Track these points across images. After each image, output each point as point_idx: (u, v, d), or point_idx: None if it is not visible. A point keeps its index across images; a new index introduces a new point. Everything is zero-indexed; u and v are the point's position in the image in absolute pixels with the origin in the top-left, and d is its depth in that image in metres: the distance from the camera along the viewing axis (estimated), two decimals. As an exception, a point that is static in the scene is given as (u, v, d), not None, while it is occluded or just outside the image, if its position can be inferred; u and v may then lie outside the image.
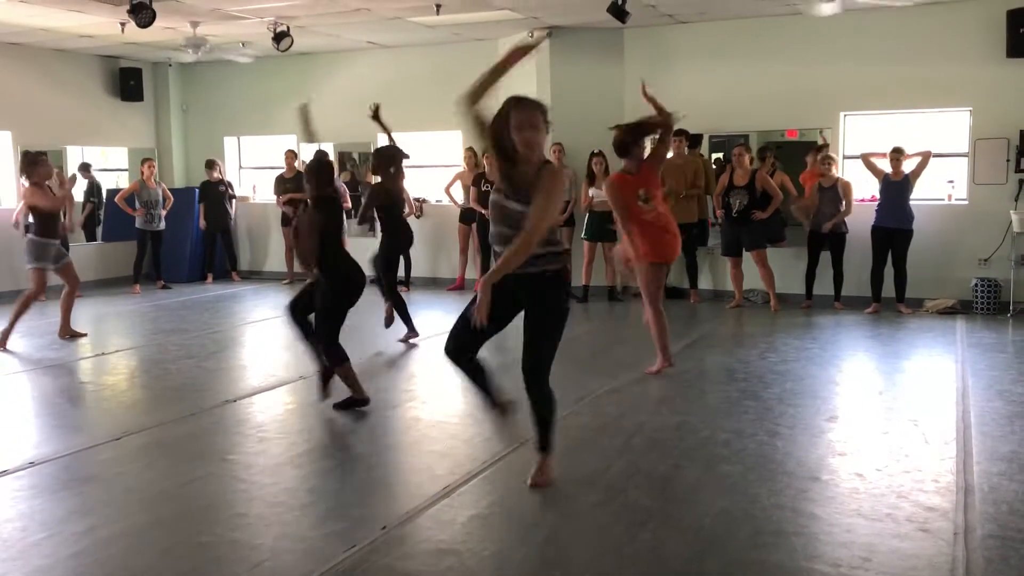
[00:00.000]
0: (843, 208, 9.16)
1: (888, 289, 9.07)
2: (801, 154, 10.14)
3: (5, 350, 7.59)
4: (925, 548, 3.49)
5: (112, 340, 8.61)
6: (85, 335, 8.22)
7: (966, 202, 9.23)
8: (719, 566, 3.37)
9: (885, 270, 9.06)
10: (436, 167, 11.91)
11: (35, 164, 7.78)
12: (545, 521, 3.84)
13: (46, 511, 4.05)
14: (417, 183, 11.65)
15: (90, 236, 12.47)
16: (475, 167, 10.60)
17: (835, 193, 9.21)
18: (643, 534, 3.65)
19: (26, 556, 3.54)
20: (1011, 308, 8.75)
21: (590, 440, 4.90)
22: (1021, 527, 3.64)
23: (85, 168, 12.47)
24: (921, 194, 9.08)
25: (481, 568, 3.37)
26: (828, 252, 9.34)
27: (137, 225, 11.38)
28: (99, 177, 12.72)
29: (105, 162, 13.12)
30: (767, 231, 9.49)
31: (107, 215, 12.42)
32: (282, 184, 11.72)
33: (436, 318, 9.44)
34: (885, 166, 8.99)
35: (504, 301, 3.87)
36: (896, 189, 8.90)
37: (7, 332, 7.71)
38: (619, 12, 8.45)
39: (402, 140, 11.96)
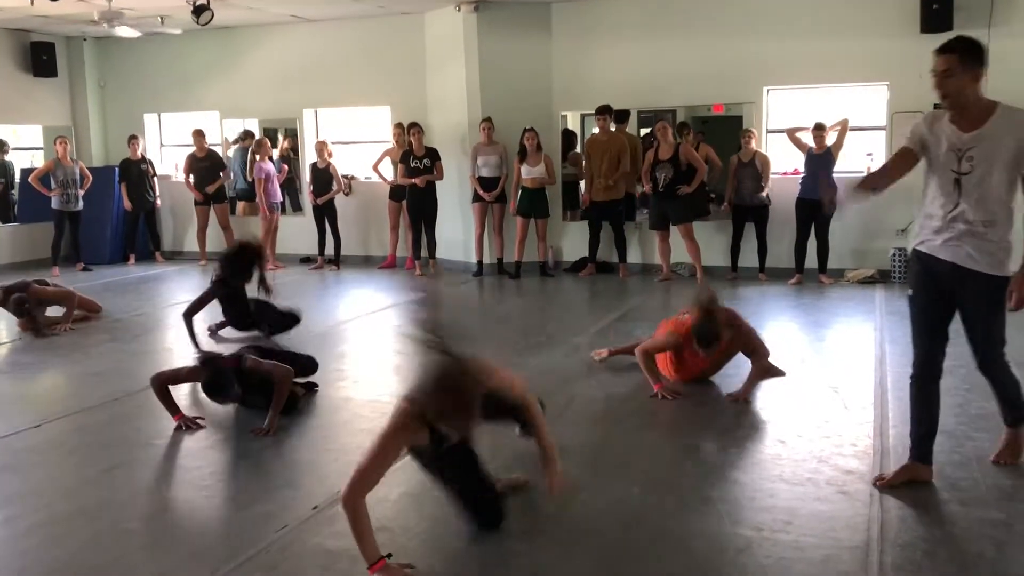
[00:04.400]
0: (764, 182, 9.38)
1: (811, 260, 9.30)
2: (728, 128, 10.30)
3: None
4: (843, 510, 3.62)
5: (30, 325, 8.33)
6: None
7: (884, 174, 9.48)
8: (648, 534, 3.44)
9: (808, 242, 9.29)
10: (364, 143, 11.77)
11: None
12: (477, 496, 3.86)
13: (-39, 502, 3.92)
14: (345, 160, 11.53)
15: (4, 218, 12.03)
16: (403, 143, 10.49)
17: (754, 167, 9.41)
18: (574, 505, 3.70)
19: (-59, 549, 3.43)
20: (926, 277, 9.05)
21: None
22: (931, 486, 3.80)
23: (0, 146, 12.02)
24: (842, 167, 9.31)
25: (413, 544, 3.39)
26: (752, 224, 9.54)
27: (53, 206, 11.00)
28: (12, 156, 12.25)
29: (18, 140, 12.63)
30: (693, 205, 9.64)
31: (21, 196, 11.98)
32: (195, 163, 11.44)
33: (367, 296, 9.38)
34: (809, 140, 9.20)
35: None
36: (819, 162, 9.11)
37: None
38: (546, -14, 8.43)
39: (329, 116, 11.91)
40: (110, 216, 11.98)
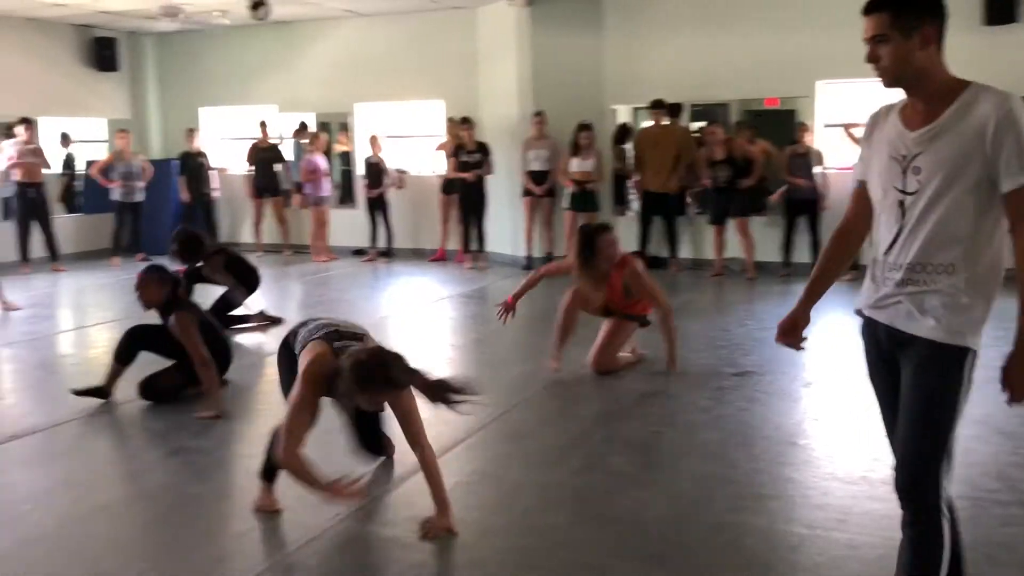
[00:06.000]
0: (816, 177, 9.24)
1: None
2: (781, 122, 10.17)
3: None
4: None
5: (92, 313, 8.56)
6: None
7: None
8: (698, 529, 3.43)
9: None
10: (417, 137, 11.86)
11: None
12: (527, 487, 3.89)
13: (31, 483, 4.07)
14: (398, 154, 11.62)
15: (69, 208, 12.38)
16: (456, 137, 10.55)
17: (807, 160, 9.28)
18: (623, 499, 3.71)
19: (13, 526, 3.56)
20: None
21: (570, 409, 4.94)
22: (991, 488, 3.73)
23: (64, 139, 12.33)
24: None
25: (465, 532, 3.42)
26: (804, 219, 9.39)
27: (114, 197, 11.29)
28: (79, 149, 12.60)
29: (85, 134, 12.97)
30: (753, 200, 9.56)
31: (85, 187, 12.31)
32: (257, 153, 11.63)
33: (419, 288, 9.47)
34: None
35: None
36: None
37: None
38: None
39: (381, 109, 12.02)
40: (170, 208, 12.24)
